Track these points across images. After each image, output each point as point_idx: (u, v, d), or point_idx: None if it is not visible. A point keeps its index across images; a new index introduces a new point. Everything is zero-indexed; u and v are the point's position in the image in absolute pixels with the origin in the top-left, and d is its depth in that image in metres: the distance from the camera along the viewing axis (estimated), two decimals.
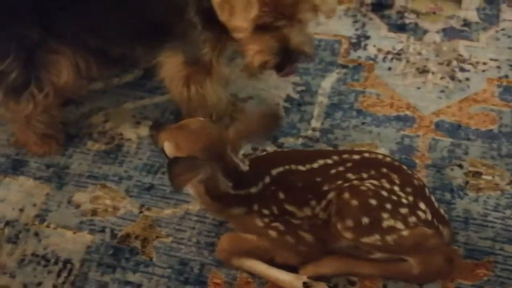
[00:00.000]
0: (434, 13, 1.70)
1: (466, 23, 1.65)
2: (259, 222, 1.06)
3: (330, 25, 1.61)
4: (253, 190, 1.05)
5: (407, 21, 1.67)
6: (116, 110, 1.47)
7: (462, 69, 1.52)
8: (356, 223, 1.01)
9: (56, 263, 1.17)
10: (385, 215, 1.01)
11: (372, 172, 1.06)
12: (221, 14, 1.07)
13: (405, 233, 1.01)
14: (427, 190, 1.09)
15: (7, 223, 1.24)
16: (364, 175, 1.05)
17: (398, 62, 1.55)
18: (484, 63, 1.53)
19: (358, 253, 1.07)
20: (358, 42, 1.62)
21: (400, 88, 1.48)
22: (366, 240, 1.02)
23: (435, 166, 1.30)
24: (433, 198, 1.09)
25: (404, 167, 1.10)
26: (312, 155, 1.12)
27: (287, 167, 1.07)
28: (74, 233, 1.22)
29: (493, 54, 1.56)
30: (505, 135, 1.36)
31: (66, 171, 1.34)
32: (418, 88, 1.48)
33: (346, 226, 1.02)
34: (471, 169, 1.29)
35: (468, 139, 1.35)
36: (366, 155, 1.11)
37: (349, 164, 1.07)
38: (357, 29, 1.65)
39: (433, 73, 1.52)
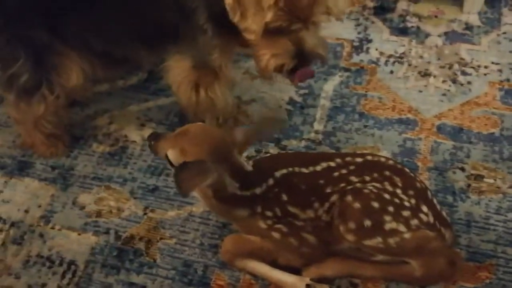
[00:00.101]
0: (436, 16, 1.70)
1: (468, 26, 1.66)
2: (263, 224, 1.07)
3: (333, 29, 1.61)
4: (258, 191, 1.06)
5: (409, 24, 1.68)
6: (121, 112, 1.48)
7: (464, 73, 1.53)
8: (358, 226, 1.01)
9: (60, 264, 1.18)
10: (387, 218, 1.01)
11: (375, 175, 1.06)
12: (233, 16, 1.07)
13: (407, 235, 1.02)
14: (429, 193, 1.10)
15: (13, 224, 1.25)
16: (367, 178, 1.06)
17: (400, 65, 1.56)
18: (486, 67, 1.54)
19: (360, 255, 1.08)
20: (361, 45, 1.63)
21: (402, 91, 1.49)
22: (368, 242, 1.02)
23: (437, 169, 1.31)
24: (435, 200, 1.09)
25: (407, 170, 1.11)
26: (315, 158, 1.12)
27: (290, 169, 1.08)
28: (79, 234, 1.23)
29: (494, 57, 1.57)
30: (507, 138, 1.37)
31: (71, 172, 1.35)
32: (420, 91, 1.49)
33: (349, 229, 1.02)
34: (473, 172, 1.30)
35: (470, 142, 1.36)
36: (369, 158, 1.12)
37: (352, 167, 1.08)
38: (359, 33, 1.66)
39: (435, 76, 1.53)
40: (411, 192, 1.05)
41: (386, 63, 1.57)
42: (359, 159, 1.10)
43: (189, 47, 1.21)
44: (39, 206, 1.28)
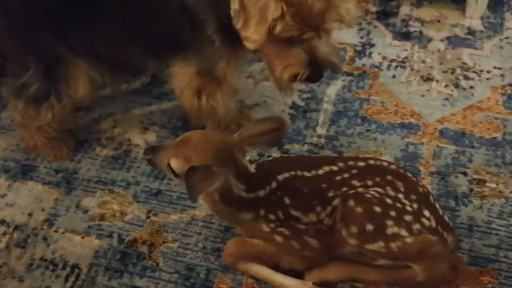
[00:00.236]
0: (438, 21, 1.71)
1: (470, 31, 1.66)
2: (265, 227, 1.08)
3: (336, 33, 1.62)
4: (261, 193, 1.06)
5: (411, 29, 1.68)
6: (124, 116, 1.48)
7: (466, 77, 1.53)
8: (360, 230, 1.02)
9: (64, 267, 1.18)
10: (389, 222, 1.02)
11: (377, 179, 1.07)
12: (236, 22, 1.07)
13: (409, 240, 1.02)
14: (431, 197, 1.10)
15: (16, 228, 1.25)
16: (369, 182, 1.06)
17: (402, 70, 1.57)
18: (488, 71, 1.54)
19: (362, 259, 1.08)
20: (363, 50, 1.63)
21: (404, 95, 1.50)
22: (370, 247, 1.03)
23: (440, 174, 1.31)
24: (437, 205, 1.10)
25: (409, 174, 1.11)
26: (317, 162, 1.13)
27: (293, 173, 1.08)
28: (82, 237, 1.23)
29: (497, 62, 1.57)
30: (509, 143, 1.37)
31: (74, 176, 1.35)
32: (423, 95, 1.49)
33: (351, 233, 1.02)
34: (475, 176, 1.30)
35: (472, 147, 1.36)
36: (371, 162, 1.12)
37: (354, 171, 1.08)
38: (362, 37, 1.67)
39: (437, 81, 1.53)
40: (413, 197, 1.05)
41: (388, 67, 1.58)
42: (361, 163, 1.10)
43: (195, 55, 1.21)
44: (43, 210, 1.29)
